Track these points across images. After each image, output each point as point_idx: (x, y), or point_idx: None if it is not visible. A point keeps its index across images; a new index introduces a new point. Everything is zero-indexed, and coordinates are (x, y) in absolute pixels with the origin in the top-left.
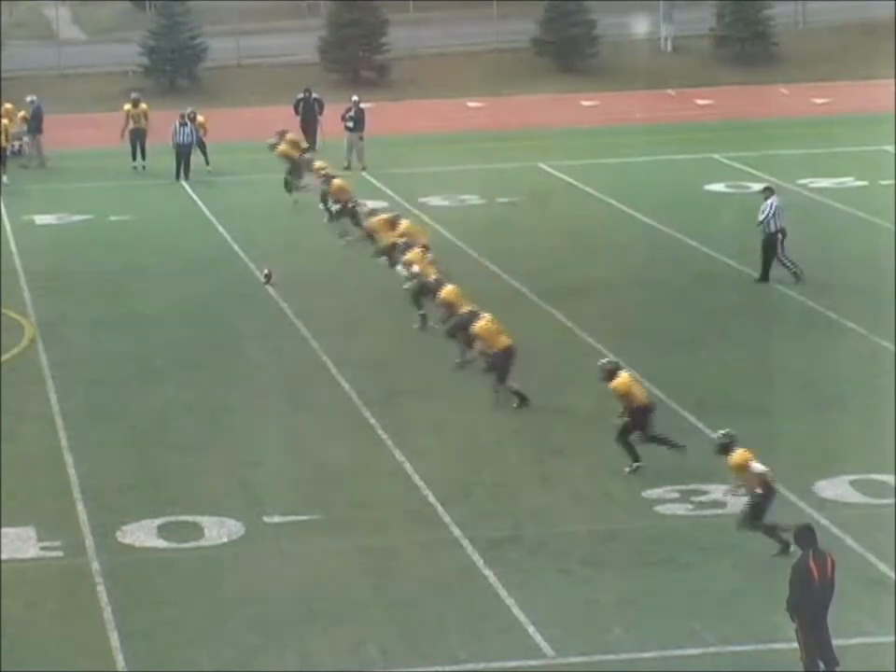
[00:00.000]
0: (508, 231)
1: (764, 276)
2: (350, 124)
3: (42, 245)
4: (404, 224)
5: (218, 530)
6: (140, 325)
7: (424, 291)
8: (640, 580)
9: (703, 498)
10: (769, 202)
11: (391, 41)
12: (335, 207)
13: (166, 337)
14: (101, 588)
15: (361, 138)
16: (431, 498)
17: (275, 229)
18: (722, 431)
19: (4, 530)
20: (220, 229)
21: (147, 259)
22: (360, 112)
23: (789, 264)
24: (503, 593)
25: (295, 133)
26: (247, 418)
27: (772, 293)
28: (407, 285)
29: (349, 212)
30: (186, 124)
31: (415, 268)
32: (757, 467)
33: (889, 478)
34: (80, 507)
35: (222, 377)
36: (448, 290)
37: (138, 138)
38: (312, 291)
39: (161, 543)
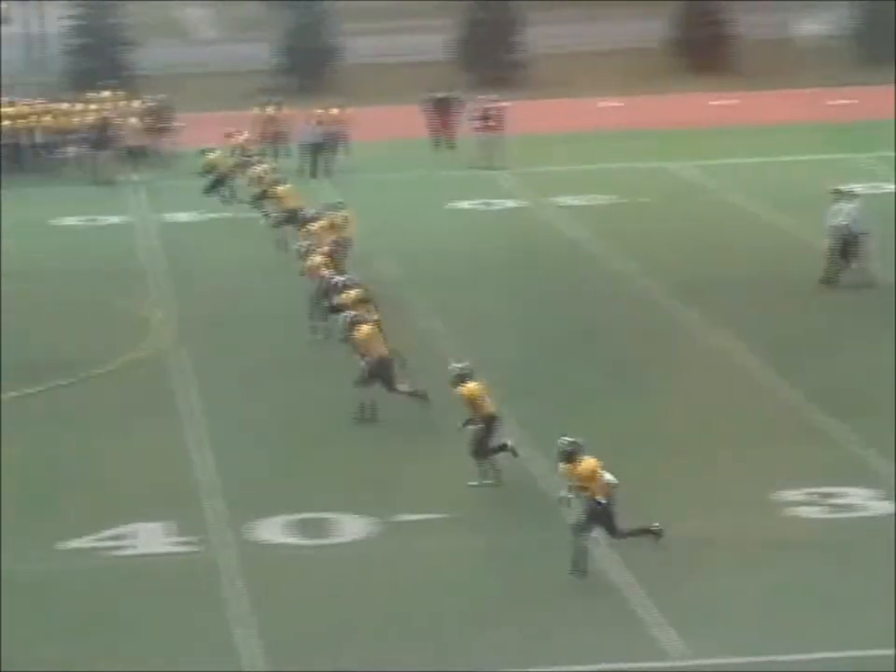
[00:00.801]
0: (641, 231)
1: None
2: (487, 123)
3: (179, 243)
4: (317, 225)
5: (350, 527)
6: (270, 322)
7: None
8: (771, 582)
9: (837, 501)
10: (849, 205)
11: (528, 40)
12: (280, 214)
13: (294, 334)
14: (230, 584)
15: (498, 137)
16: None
17: (412, 226)
18: (569, 439)
19: (134, 525)
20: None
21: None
22: (497, 110)
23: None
24: (635, 593)
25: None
26: (379, 414)
27: None
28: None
29: (294, 218)
30: (317, 124)
31: (324, 272)
32: (607, 476)
33: None
34: (211, 502)
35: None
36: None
37: (274, 140)
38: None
39: (292, 540)
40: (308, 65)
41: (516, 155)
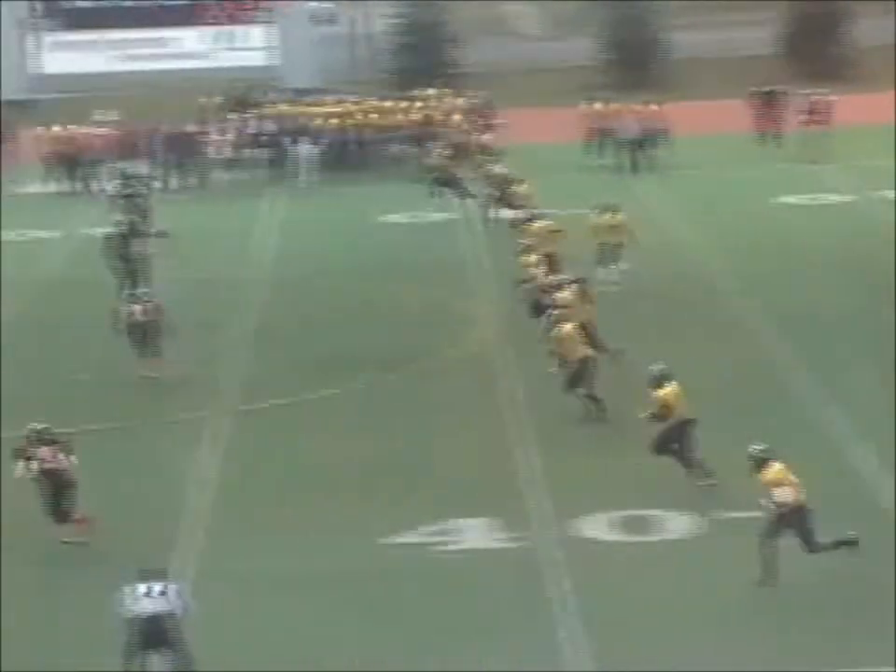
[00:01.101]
0: None
1: None
2: (813, 117)
3: (504, 240)
4: (535, 226)
5: (675, 524)
6: None
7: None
8: None
9: None
10: None
11: (855, 33)
12: (521, 214)
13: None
14: (555, 581)
15: (825, 131)
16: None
17: (735, 221)
18: (760, 446)
19: (460, 521)
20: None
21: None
22: (825, 104)
23: None
24: None
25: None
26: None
27: None
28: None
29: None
30: (637, 119)
31: (534, 271)
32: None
33: None
34: (536, 499)
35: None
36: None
37: (600, 136)
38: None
39: (617, 537)
40: (634, 61)
41: (843, 149)
